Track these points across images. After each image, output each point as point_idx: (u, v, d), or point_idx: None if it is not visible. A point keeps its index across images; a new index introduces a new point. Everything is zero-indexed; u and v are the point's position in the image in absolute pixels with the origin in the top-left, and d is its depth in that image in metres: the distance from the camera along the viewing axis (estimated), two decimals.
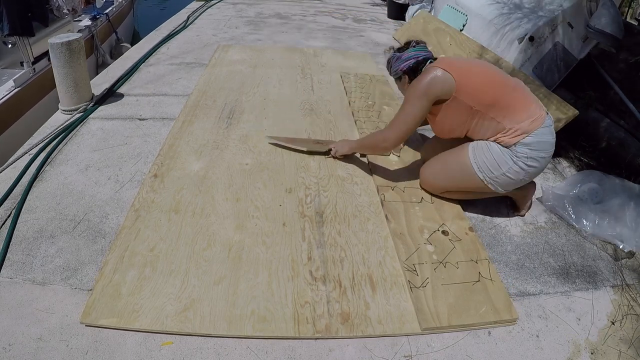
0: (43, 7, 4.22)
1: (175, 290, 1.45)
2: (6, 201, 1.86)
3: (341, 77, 3.42)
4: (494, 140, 1.76)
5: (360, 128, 2.60)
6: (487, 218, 1.97)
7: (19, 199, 1.86)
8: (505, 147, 1.73)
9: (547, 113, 1.78)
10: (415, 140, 2.52)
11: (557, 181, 2.30)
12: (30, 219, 1.77)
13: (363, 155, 2.29)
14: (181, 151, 2.26)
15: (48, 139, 2.34)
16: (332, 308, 1.43)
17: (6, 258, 1.57)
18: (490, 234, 1.88)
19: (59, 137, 2.36)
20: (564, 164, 2.49)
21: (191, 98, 2.88)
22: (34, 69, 3.95)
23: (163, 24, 4.86)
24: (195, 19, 5.19)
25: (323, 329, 1.36)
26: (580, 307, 1.56)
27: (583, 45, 2.93)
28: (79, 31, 4.90)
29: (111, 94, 2.94)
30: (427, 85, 1.76)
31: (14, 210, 1.80)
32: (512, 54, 3.07)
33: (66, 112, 2.65)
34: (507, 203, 2.05)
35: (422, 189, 2.04)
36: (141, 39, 4.45)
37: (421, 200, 1.98)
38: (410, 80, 1.90)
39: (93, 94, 2.83)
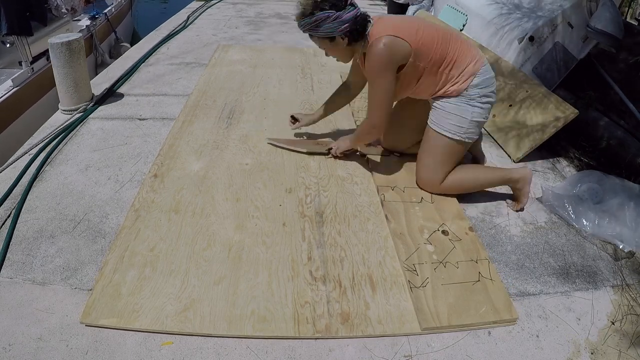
0: (42, 6, 4.22)
1: (175, 290, 1.45)
2: (6, 201, 1.86)
3: (341, 77, 3.42)
4: (443, 95, 1.86)
5: None
6: (487, 218, 1.97)
7: (19, 199, 1.86)
8: (456, 96, 1.83)
9: (481, 52, 1.91)
10: None
11: (557, 181, 2.30)
12: (30, 219, 1.77)
13: (363, 155, 2.29)
14: (181, 151, 2.26)
15: (48, 139, 2.34)
16: (332, 308, 1.43)
17: (6, 258, 1.57)
18: (490, 234, 1.88)
19: (59, 137, 2.36)
20: (563, 163, 2.49)
21: (191, 98, 2.88)
22: (32, 68, 3.95)
23: (163, 24, 4.86)
24: (195, 19, 5.19)
25: (323, 329, 1.36)
26: (580, 307, 1.56)
27: (583, 45, 2.93)
28: (79, 31, 4.90)
29: (111, 94, 2.94)
30: (388, 57, 1.73)
31: (14, 210, 1.80)
32: (512, 54, 3.07)
33: (66, 112, 2.65)
34: (507, 202, 2.06)
35: (428, 191, 2.02)
36: (140, 39, 4.45)
37: (421, 200, 1.98)
38: (350, 42, 1.81)
39: (93, 94, 2.83)
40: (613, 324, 1.51)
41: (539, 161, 2.47)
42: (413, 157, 2.34)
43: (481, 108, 1.85)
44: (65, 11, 4.62)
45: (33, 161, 2.14)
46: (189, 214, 1.80)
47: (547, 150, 2.52)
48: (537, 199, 2.11)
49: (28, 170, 2.07)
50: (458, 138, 1.87)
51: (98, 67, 5.28)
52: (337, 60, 1.96)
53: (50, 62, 2.66)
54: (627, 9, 4.64)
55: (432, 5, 4.89)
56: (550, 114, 2.41)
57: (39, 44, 4.06)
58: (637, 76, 2.75)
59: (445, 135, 1.88)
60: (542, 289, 1.63)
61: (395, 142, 2.27)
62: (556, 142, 2.56)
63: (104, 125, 2.53)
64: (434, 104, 1.92)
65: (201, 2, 6.08)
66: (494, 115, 2.74)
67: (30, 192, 1.92)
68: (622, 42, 2.72)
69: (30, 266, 1.54)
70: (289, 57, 3.84)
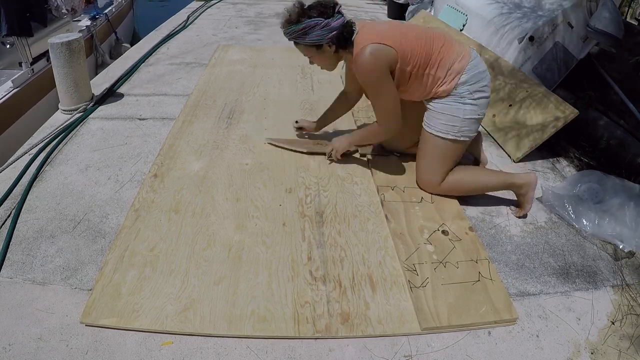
0: (42, 7, 4.21)
1: (175, 290, 1.45)
2: (6, 201, 1.86)
3: (341, 77, 3.42)
4: (433, 97, 1.85)
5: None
6: (487, 218, 1.97)
7: (19, 199, 1.86)
8: (446, 96, 1.81)
9: (469, 47, 1.87)
10: None
11: (557, 181, 2.30)
12: (30, 219, 1.77)
13: (363, 155, 2.29)
14: (181, 151, 2.26)
15: (48, 139, 2.34)
16: (332, 308, 1.43)
17: (6, 258, 1.57)
18: (490, 234, 1.88)
19: (59, 137, 2.36)
20: (563, 163, 2.49)
21: (191, 98, 2.88)
22: (32, 69, 3.94)
23: (163, 24, 4.86)
24: (195, 19, 5.19)
25: (323, 329, 1.36)
26: (580, 307, 1.56)
27: (583, 45, 2.93)
28: (79, 31, 4.90)
29: (111, 94, 2.94)
30: (378, 64, 1.72)
31: (14, 210, 1.80)
32: (512, 53, 3.07)
33: (66, 112, 2.65)
34: (509, 204, 2.04)
35: (425, 190, 2.01)
36: (141, 39, 4.45)
37: (421, 200, 1.98)
38: (337, 49, 1.82)
39: (93, 94, 2.83)
40: (613, 324, 1.51)
41: (539, 161, 2.47)
42: (413, 156, 2.33)
43: (474, 105, 1.82)
44: (66, 12, 4.62)
45: (33, 161, 2.15)
46: (189, 214, 1.80)
47: (547, 150, 2.52)
48: (537, 199, 2.11)
49: (28, 170, 2.07)
50: (452, 137, 1.85)
51: (98, 67, 5.28)
52: (322, 68, 1.96)
53: (50, 63, 2.66)
54: (627, 9, 4.64)
55: (432, 5, 4.89)
56: (550, 113, 2.41)
57: (39, 45, 4.06)
58: (637, 76, 2.75)
59: (438, 136, 1.87)
60: (542, 289, 1.63)
61: (394, 143, 2.25)
62: (556, 142, 2.56)
63: (104, 125, 2.53)
64: (427, 105, 1.91)
65: (201, 2, 6.08)
66: (493, 115, 2.74)
67: (30, 192, 1.92)
68: (622, 42, 2.72)
69: (30, 266, 1.54)
70: (289, 57, 3.84)
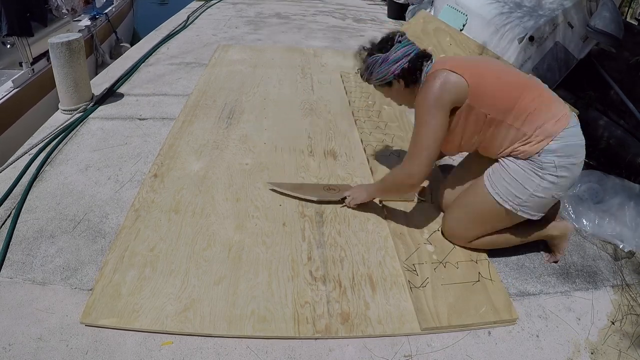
0: (42, 7, 4.21)
1: (175, 290, 1.45)
2: (6, 201, 1.86)
3: (341, 77, 3.42)
4: (511, 154, 1.51)
5: (361, 128, 2.60)
6: None
7: (19, 199, 1.86)
8: (526, 159, 1.47)
9: (570, 110, 1.51)
10: None
11: None
12: (30, 219, 1.77)
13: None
14: (181, 151, 2.26)
15: (48, 139, 2.34)
16: (332, 308, 1.43)
17: (6, 258, 1.57)
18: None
19: (59, 137, 2.36)
20: None
21: (191, 98, 2.88)
22: (32, 69, 3.95)
23: (163, 24, 4.86)
24: (195, 19, 5.19)
25: (323, 329, 1.36)
26: (580, 307, 1.56)
27: (583, 45, 2.93)
28: (79, 31, 4.90)
29: (111, 94, 2.94)
30: (440, 93, 1.47)
31: (14, 210, 1.80)
32: (512, 53, 3.07)
33: (66, 112, 2.65)
34: (543, 254, 1.80)
35: (450, 241, 1.74)
36: (141, 39, 4.45)
37: (418, 200, 1.98)
38: (407, 84, 1.61)
39: (93, 93, 2.83)
40: (613, 323, 1.51)
41: None
42: None
43: (553, 183, 1.45)
44: (66, 12, 4.62)
45: (33, 161, 2.14)
46: (189, 214, 1.80)
47: None
48: None
49: (28, 170, 2.07)
50: (509, 207, 1.52)
51: (98, 67, 5.28)
52: (399, 104, 1.76)
53: (50, 62, 2.66)
54: (627, 9, 4.64)
55: (432, 5, 4.89)
56: None
57: (40, 45, 4.06)
58: (637, 76, 2.75)
59: (494, 198, 1.54)
60: (542, 288, 1.63)
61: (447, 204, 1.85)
62: None
63: (104, 125, 2.53)
64: (499, 159, 1.58)
65: (201, 2, 6.07)
66: None
67: (30, 192, 1.92)
68: (622, 42, 2.72)
69: (30, 266, 1.54)
70: (289, 57, 3.84)
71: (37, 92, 3.92)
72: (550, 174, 1.45)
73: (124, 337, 1.31)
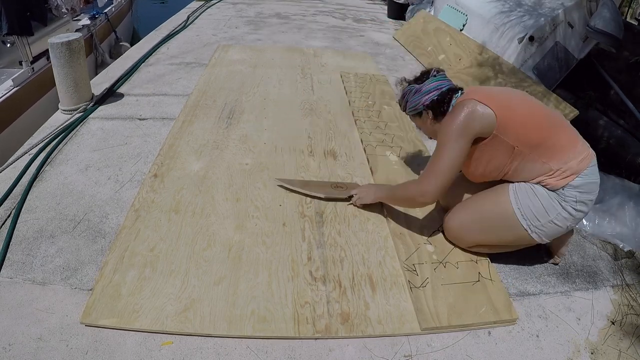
0: (42, 6, 4.22)
1: (175, 290, 1.45)
2: (6, 201, 1.86)
3: (341, 77, 3.42)
4: (538, 183, 1.52)
5: (361, 128, 2.60)
6: None
7: (19, 199, 1.86)
8: (552, 190, 1.50)
9: (592, 150, 1.57)
10: (413, 140, 2.51)
11: None
12: (30, 219, 1.77)
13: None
14: (181, 151, 2.26)
15: (48, 139, 2.34)
16: (332, 308, 1.43)
17: (6, 258, 1.57)
18: None
19: (59, 137, 2.36)
20: None
21: (191, 98, 2.88)
22: (32, 68, 3.95)
23: (163, 24, 4.86)
24: (195, 19, 5.19)
25: (323, 329, 1.36)
26: (580, 307, 1.56)
27: (583, 45, 2.93)
28: (78, 30, 4.90)
29: (111, 94, 2.94)
30: (465, 121, 1.49)
31: (14, 210, 1.80)
32: (512, 53, 3.07)
33: (66, 112, 2.65)
34: (541, 249, 1.81)
35: (448, 240, 1.75)
36: (140, 39, 4.45)
37: None
38: (435, 115, 1.64)
39: (93, 93, 2.83)
40: (613, 323, 1.51)
41: None
42: (413, 157, 2.34)
43: (571, 215, 1.50)
44: (66, 11, 4.62)
45: (33, 161, 2.14)
46: (189, 214, 1.80)
47: None
48: None
49: (28, 170, 2.07)
50: (525, 226, 1.53)
51: (98, 67, 5.28)
52: (430, 138, 1.78)
53: (50, 62, 2.66)
54: (627, 9, 4.65)
55: (432, 5, 4.89)
56: None
57: (40, 44, 4.07)
58: (637, 76, 2.75)
59: (515, 213, 1.54)
60: (542, 288, 1.63)
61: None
62: None
63: (104, 125, 2.53)
64: (530, 181, 1.56)
65: (201, 2, 6.07)
66: None
67: (30, 192, 1.92)
68: (622, 42, 2.72)
69: (30, 266, 1.54)
70: (289, 57, 3.84)
71: (36, 91, 3.93)
72: (570, 207, 1.50)
73: (124, 337, 1.31)
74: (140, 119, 2.63)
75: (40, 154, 2.20)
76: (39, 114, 3.39)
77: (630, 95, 2.70)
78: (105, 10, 6.00)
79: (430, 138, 1.78)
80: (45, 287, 1.47)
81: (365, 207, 1.90)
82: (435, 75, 1.67)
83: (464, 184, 1.81)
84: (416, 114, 1.71)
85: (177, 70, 3.45)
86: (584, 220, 1.92)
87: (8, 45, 4.02)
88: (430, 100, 1.63)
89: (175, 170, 2.09)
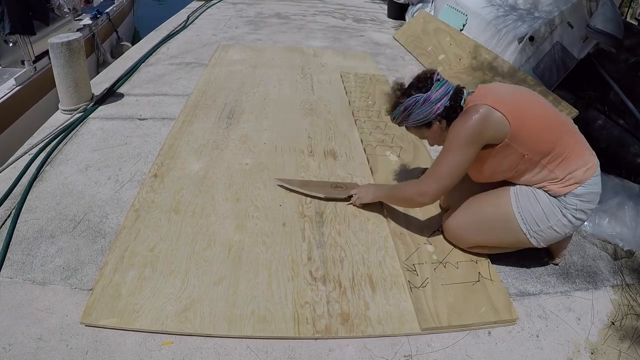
0: (44, 6, 4.23)
1: (175, 290, 1.45)
2: (6, 201, 1.86)
3: (341, 77, 3.42)
4: (540, 188, 1.51)
5: (361, 128, 2.60)
6: None
7: (19, 199, 1.86)
8: (553, 196, 1.49)
9: (596, 158, 1.56)
10: (413, 140, 2.51)
11: None
12: (30, 219, 1.77)
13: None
14: (181, 151, 2.26)
15: (48, 139, 2.34)
16: (332, 308, 1.43)
17: (6, 258, 1.57)
18: None
19: (59, 137, 2.36)
20: None
21: (191, 98, 2.88)
22: (35, 67, 3.96)
23: (163, 24, 4.86)
24: (195, 19, 5.19)
25: (323, 329, 1.36)
26: (580, 307, 1.56)
27: (583, 45, 2.93)
28: (80, 30, 4.91)
29: (111, 94, 2.94)
30: (478, 128, 1.43)
31: (14, 210, 1.80)
32: (512, 53, 3.07)
33: (66, 112, 2.65)
34: (541, 249, 1.75)
35: (447, 241, 1.74)
36: (141, 38, 4.45)
37: None
38: (449, 123, 1.55)
39: (93, 93, 2.83)
40: (613, 323, 1.51)
41: None
42: (413, 158, 2.34)
43: (570, 222, 1.50)
44: (68, 11, 4.63)
45: (33, 161, 2.14)
46: (189, 214, 1.80)
47: None
48: None
49: (28, 170, 2.07)
50: (524, 230, 1.53)
51: (100, 66, 5.29)
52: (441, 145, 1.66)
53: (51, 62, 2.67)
54: (627, 9, 4.65)
55: (432, 5, 4.89)
56: None
57: (42, 43, 4.07)
58: (637, 76, 2.76)
59: (515, 217, 1.53)
60: (542, 288, 1.63)
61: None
62: None
63: (104, 125, 2.53)
64: (532, 186, 1.55)
65: (201, 2, 6.07)
66: None
67: (30, 192, 1.92)
68: (622, 42, 2.72)
69: (30, 266, 1.54)
70: (289, 57, 3.84)
71: (39, 90, 3.94)
72: (571, 215, 1.49)
73: (124, 337, 1.31)
74: (140, 119, 2.63)
75: (40, 154, 2.21)
76: (41, 113, 3.40)
77: (630, 95, 2.69)
78: (107, 10, 6.01)
79: (432, 145, 1.72)
80: (45, 287, 1.47)
81: (365, 207, 1.90)
82: (439, 80, 1.58)
83: (465, 185, 1.79)
84: (423, 125, 1.61)
85: (177, 70, 3.45)
86: None
87: (10, 44, 4.03)
88: (444, 108, 1.54)
89: (175, 170, 2.09)
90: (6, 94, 3.59)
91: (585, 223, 1.91)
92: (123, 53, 4.07)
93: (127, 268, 1.52)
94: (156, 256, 1.58)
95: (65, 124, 2.49)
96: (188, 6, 5.81)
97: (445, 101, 1.54)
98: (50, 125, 2.52)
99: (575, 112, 2.33)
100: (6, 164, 2.14)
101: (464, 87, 1.60)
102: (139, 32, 7.49)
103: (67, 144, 2.32)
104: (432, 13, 4.68)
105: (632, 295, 1.63)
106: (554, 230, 1.50)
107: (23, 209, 1.82)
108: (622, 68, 2.90)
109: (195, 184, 2.00)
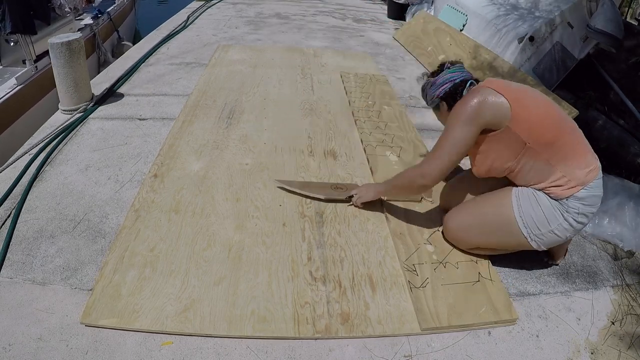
0: (45, 5, 4.23)
1: (175, 290, 1.45)
2: (6, 201, 1.86)
3: (341, 77, 3.42)
4: (541, 190, 1.50)
5: (361, 128, 2.60)
6: None
7: (19, 199, 1.86)
8: (555, 199, 1.48)
9: (598, 161, 1.54)
10: (413, 141, 2.51)
11: None
12: (30, 219, 1.77)
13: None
14: (181, 151, 2.26)
15: (48, 139, 2.34)
16: (332, 308, 1.43)
17: (6, 258, 1.57)
18: None
19: (59, 137, 2.36)
20: None
21: (191, 98, 2.88)
22: (36, 67, 3.97)
23: (163, 24, 4.87)
24: (195, 19, 5.19)
25: (323, 330, 1.36)
26: (580, 307, 1.56)
27: (583, 45, 2.93)
28: (81, 30, 4.91)
29: (111, 94, 2.94)
30: (477, 107, 1.45)
31: (14, 210, 1.80)
32: (512, 53, 3.07)
33: (66, 112, 2.65)
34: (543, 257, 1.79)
35: (447, 241, 1.74)
36: (142, 38, 4.46)
37: (421, 200, 1.98)
38: (450, 107, 1.62)
39: (93, 93, 2.83)
40: (613, 324, 1.51)
41: None
42: (413, 157, 2.34)
43: (571, 226, 1.48)
44: (69, 10, 4.63)
45: (33, 161, 2.14)
46: (189, 214, 1.80)
47: None
48: None
49: (28, 170, 2.07)
50: (525, 234, 1.52)
51: (101, 66, 5.29)
52: None
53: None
54: (627, 9, 4.65)
55: (432, 5, 4.89)
56: None
57: (43, 43, 4.07)
58: (637, 76, 2.76)
59: (516, 220, 1.52)
60: (542, 289, 1.63)
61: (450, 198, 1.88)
62: None
63: (104, 125, 2.53)
64: (533, 187, 1.53)
65: (201, 2, 6.08)
66: None
67: (30, 192, 1.92)
68: (622, 42, 2.72)
69: (30, 266, 1.54)
70: (289, 57, 3.84)
71: (40, 90, 3.95)
72: (572, 218, 1.47)
73: (124, 337, 1.31)
74: (140, 119, 2.63)
75: (40, 154, 2.21)
76: (42, 112, 3.40)
77: (630, 95, 2.69)
78: (108, 10, 6.01)
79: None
80: (45, 287, 1.47)
81: (366, 206, 1.90)
82: (449, 67, 1.66)
83: (465, 186, 1.80)
84: (435, 107, 1.71)
85: (177, 70, 3.45)
86: None
87: (12, 44, 4.04)
88: (444, 92, 1.63)
89: (175, 170, 2.09)
90: (7, 94, 3.59)
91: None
92: (124, 53, 4.07)
93: (127, 268, 1.52)
94: (156, 256, 1.58)
95: (65, 124, 2.49)
96: (188, 6, 5.81)
97: (447, 86, 1.62)
98: (50, 125, 2.52)
99: (575, 112, 2.33)
100: (6, 164, 2.14)
101: (476, 79, 1.63)
102: (139, 32, 7.50)
103: (67, 144, 2.32)
104: (432, 13, 4.68)
105: (632, 295, 1.63)
106: (555, 234, 1.49)
107: (23, 209, 1.82)
108: (622, 68, 2.90)
109: (195, 184, 2.00)
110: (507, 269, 1.70)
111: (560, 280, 1.67)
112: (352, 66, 3.72)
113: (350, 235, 1.76)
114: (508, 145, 1.48)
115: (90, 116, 2.63)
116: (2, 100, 3.52)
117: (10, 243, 1.64)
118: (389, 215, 1.86)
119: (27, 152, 2.22)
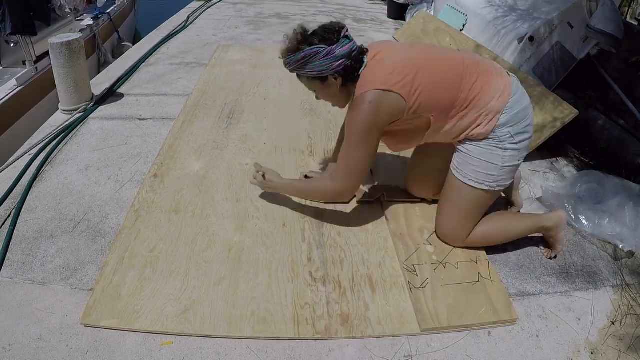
0: (45, 6, 4.23)
1: (175, 291, 1.45)
2: (6, 201, 1.87)
3: None
4: (467, 139, 1.53)
5: None
6: None
7: (19, 199, 1.87)
8: (483, 139, 1.50)
9: (509, 74, 1.53)
10: None
11: (557, 181, 2.30)
12: (30, 219, 1.77)
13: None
14: (181, 151, 2.26)
15: (48, 139, 2.34)
16: (332, 309, 1.43)
17: (6, 258, 1.57)
18: None
19: (59, 137, 2.36)
20: (563, 163, 2.49)
21: (191, 98, 2.88)
22: (36, 68, 3.97)
23: (163, 24, 4.87)
24: (195, 19, 5.19)
25: (323, 330, 1.36)
26: (580, 307, 1.56)
27: (583, 45, 2.93)
28: (81, 30, 4.91)
29: (111, 94, 2.94)
30: (373, 118, 1.44)
31: (14, 210, 1.80)
32: (512, 53, 3.06)
33: (66, 112, 2.65)
34: (541, 249, 1.81)
35: (447, 243, 1.74)
36: (142, 39, 4.46)
37: (421, 200, 1.98)
38: (345, 82, 1.51)
39: (93, 93, 2.84)
40: (613, 324, 1.51)
41: (539, 161, 2.47)
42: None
43: (515, 150, 1.50)
44: (69, 11, 4.63)
45: (33, 161, 2.15)
46: (189, 215, 1.80)
47: (547, 150, 2.52)
48: (537, 199, 2.11)
49: (28, 170, 2.07)
50: (486, 188, 1.55)
51: (101, 66, 5.29)
52: (333, 105, 1.67)
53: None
54: (627, 9, 4.65)
55: (432, 5, 4.89)
56: (549, 114, 2.41)
57: (43, 44, 4.07)
58: (637, 76, 2.75)
59: (470, 185, 1.56)
60: (542, 289, 1.63)
61: (420, 191, 1.93)
62: (556, 142, 2.56)
63: (104, 125, 2.53)
64: (458, 147, 1.59)
65: (201, 2, 6.08)
66: None
67: (30, 192, 1.92)
68: (622, 42, 2.72)
69: (30, 266, 1.55)
70: None
71: (40, 91, 3.95)
72: (509, 144, 1.50)
73: (124, 337, 1.31)
74: (140, 119, 2.63)
75: (40, 154, 2.21)
76: (43, 113, 3.40)
77: (630, 95, 2.69)
78: (108, 10, 6.01)
79: (326, 101, 1.67)
80: (45, 287, 1.47)
81: (360, 208, 1.91)
82: (347, 36, 1.49)
83: (428, 176, 1.85)
84: (316, 78, 1.52)
85: (177, 70, 3.45)
86: (583, 221, 1.92)
87: (12, 45, 4.04)
88: (344, 66, 1.47)
89: (175, 170, 2.09)
90: (7, 95, 3.59)
91: (585, 223, 1.91)
92: (124, 53, 4.07)
93: (127, 269, 1.52)
94: (156, 257, 1.58)
95: (65, 124, 2.49)
96: (188, 6, 5.81)
97: (346, 59, 1.46)
98: (50, 125, 2.52)
99: (575, 112, 2.32)
100: (6, 164, 2.14)
101: (365, 50, 1.54)
102: (139, 33, 7.50)
103: (67, 144, 2.33)
104: (432, 13, 4.68)
105: (632, 295, 1.63)
106: (506, 166, 1.52)
107: (23, 209, 1.82)
108: (622, 68, 2.89)
109: (195, 184, 2.00)
110: (507, 269, 1.70)
111: (560, 280, 1.67)
112: None
113: (350, 235, 1.76)
114: (414, 122, 1.53)
115: (90, 116, 2.63)
116: (2, 101, 3.52)
117: (10, 243, 1.64)
118: (388, 216, 1.86)
119: (27, 152, 2.22)
